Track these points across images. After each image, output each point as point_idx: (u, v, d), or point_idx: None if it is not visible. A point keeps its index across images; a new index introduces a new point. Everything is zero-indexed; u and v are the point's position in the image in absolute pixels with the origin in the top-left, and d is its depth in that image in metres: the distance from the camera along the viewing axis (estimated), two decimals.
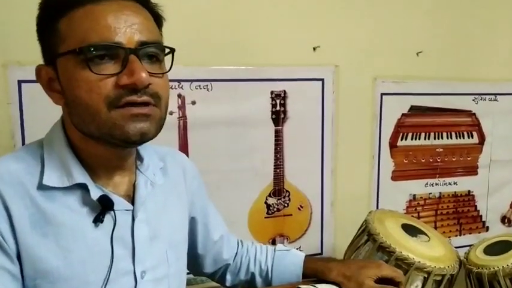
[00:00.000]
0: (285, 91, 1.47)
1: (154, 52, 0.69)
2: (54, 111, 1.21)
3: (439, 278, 1.11)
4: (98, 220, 0.71)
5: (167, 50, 0.72)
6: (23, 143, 1.24)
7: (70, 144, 0.73)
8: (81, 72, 0.65)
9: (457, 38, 1.69)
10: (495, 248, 1.13)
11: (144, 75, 0.65)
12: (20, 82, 1.22)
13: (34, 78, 1.20)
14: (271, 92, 1.46)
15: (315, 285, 0.93)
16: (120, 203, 0.75)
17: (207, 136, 1.39)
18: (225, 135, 1.42)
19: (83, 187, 0.72)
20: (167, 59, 0.73)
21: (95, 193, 0.72)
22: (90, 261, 0.70)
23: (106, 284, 0.70)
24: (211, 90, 1.39)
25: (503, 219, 1.86)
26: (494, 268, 1.06)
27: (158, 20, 0.74)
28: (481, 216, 1.82)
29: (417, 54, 1.63)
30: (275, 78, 1.46)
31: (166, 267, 0.80)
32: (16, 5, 1.19)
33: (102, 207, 0.71)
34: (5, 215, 0.66)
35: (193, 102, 1.37)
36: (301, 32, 1.47)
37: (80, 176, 0.71)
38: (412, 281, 1.10)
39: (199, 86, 1.38)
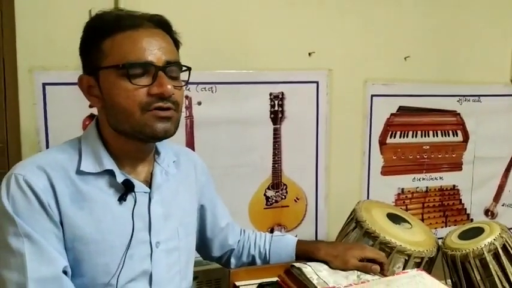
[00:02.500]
0: (282, 93, 1.60)
1: (175, 70, 0.87)
2: (74, 111, 1.37)
3: (418, 260, 1.24)
4: (122, 199, 0.87)
5: (184, 68, 0.90)
6: (47, 139, 1.36)
7: (102, 139, 0.89)
8: (121, 82, 0.83)
9: (442, 43, 1.81)
10: (468, 234, 1.26)
11: (169, 87, 0.83)
12: (44, 85, 1.35)
13: (57, 81, 1.36)
14: (270, 94, 1.58)
15: (306, 263, 1.06)
16: (140, 186, 0.90)
17: (211, 134, 1.52)
18: (228, 133, 1.55)
19: (111, 173, 0.87)
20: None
21: (120, 178, 0.87)
22: (115, 230, 0.85)
23: (128, 249, 0.85)
24: (216, 92, 1.51)
25: (487, 212, 1.99)
26: (466, 250, 1.19)
27: (177, 44, 0.92)
28: (466, 209, 1.95)
29: (405, 58, 1.76)
30: (273, 81, 1.58)
31: (177, 241, 0.95)
32: (41, 17, 1.32)
33: (126, 189, 0.87)
34: (52, 192, 0.81)
35: (199, 103, 1.49)
36: (298, 39, 1.60)
37: (109, 164, 0.87)
38: (394, 263, 1.24)
39: (205, 88, 1.50)
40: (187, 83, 0.91)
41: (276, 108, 1.60)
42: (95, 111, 1.37)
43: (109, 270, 0.84)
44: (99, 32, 0.85)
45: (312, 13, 1.61)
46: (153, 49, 0.84)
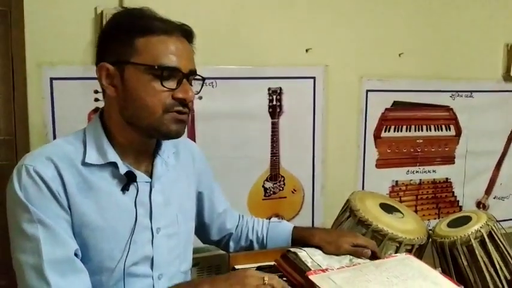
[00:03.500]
0: (280, 88, 1.65)
1: (193, 78, 0.95)
2: (80, 105, 1.43)
3: (409, 248, 1.30)
4: (125, 188, 0.92)
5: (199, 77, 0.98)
6: (54, 132, 1.42)
7: (106, 132, 0.94)
8: (152, 82, 0.88)
9: (435, 40, 1.87)
10: (457, 222, 1.32)
11: (191, 94, 0.92)
12: (51, 79, 1.40)
13: (64, 76, 1.41)
14: (269, 89, 1.64)
15: (302, 248, 1.13)
16: (141, 176, 0.95)
17: (212, 127, 1.57)
18: (228, 127, 1.60)
19: (114, 165, 0.92)
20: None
21: (123, 169, 0.93)
22: (119, 217, 0.91)
23: (132, 235, 0.91)
24: (216, 87, 1.57)
25: (478, 205, 2.05)
26: (453, 238, 1.25)
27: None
28: (458, 201, 2.01)
29: (399, 55, 1.81)
30: (272, 77, 1.64)
31: (176, 227, 1.01)
32: (48, 14, 1.37)
33: (128, 180, 0.93)
34: (60, 181, 0.87)
35: (200, 98, 1.54)
36: (295, 36, 1.66)
37: (112, 156, 0.92)
38: (386, 249, 1.29)
39: (206, 83, 1.54)
40: (199, 91, 0.99)
41: (274, 102, 1.65)
42: (100, 104, 1.45)
43: (114, 255, 0.90)
44: (133, 29, 0.89)
45: (309, 11, 1.66)
46: (182, 57, 0.90)
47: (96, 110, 1.45)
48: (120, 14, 0.96)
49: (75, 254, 0.86)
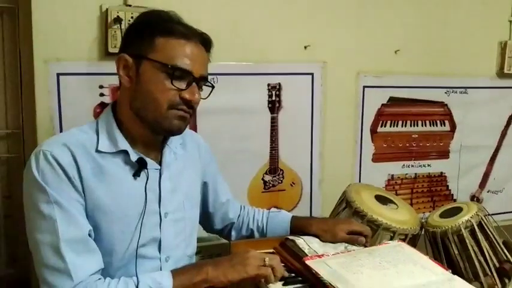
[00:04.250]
0: (279, 84, 1.70)
1: (203, 83, 1.02)
2: (86, 99, 1.48)
3: (402, 237, 1.35)
4: (136, 175, 0.98)
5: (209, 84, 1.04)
6: (60, 125, 1.46)
7: (117, 122, 1.00)
8: (164, 79, 0.95)
9: (431, 38, 1.91)
10: (448, 213, 1.37)
11: (197, 97, 0.98)
12: (58, 75, 1.44)
13: (70, 71, 1.46)
14: (268, 85, 1.69)
15: (300, 237, 1.18)
16: (151, 164, 1.01)
17: (213, 122, 1.62)
18: (228, 121, 1.65)
19: (125, 152, 0.98)
20: None
21: (134, 156, 0.99)
22: (130, 202, 0.97)
23: (142, 218, 0.97)
24: (217, 82, 1.61)
25: (472, 198, 2.10)
26: (445, 227, 1.30)
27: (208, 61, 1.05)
28: (452, 195, 2.06)
29: (395, 52, 1.86)
30: (271, 73, 1.68)
31: (183, 212, 1.06)
32: (55, 12, 1.42)
33: (139, 166, 0.98)
34: (75, 166, 0.92)
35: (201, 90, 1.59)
36: (294, 33, 1.70)
37: (123, 145, 0.98)
38: (381, 239, 1.34)
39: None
40: (206, 97, 1.04)
41: (274, 98, 1.70)
42: (105, 99, 1.50)
43: (124, 237, 0.96)
44: (156, 27, 0.96)
45: (308, 9, 1.71)
46: (195, 62, 0.97)
47: (101, 104, 1.50)
48: (148, 12, 1.03)
49: (89, 235, 0.91)
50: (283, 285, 0.97)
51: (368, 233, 1.20)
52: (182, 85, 0.96)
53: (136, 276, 0.90)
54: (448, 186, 2.05)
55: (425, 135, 1.97)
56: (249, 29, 1.64)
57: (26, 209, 0.92)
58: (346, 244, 1.17)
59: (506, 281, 1.28)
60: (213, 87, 1.04)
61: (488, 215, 1.36)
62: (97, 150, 0.96)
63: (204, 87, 1.04)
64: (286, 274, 1.00)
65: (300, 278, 1.01)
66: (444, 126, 2.00)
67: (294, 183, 1.78)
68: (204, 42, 1.01)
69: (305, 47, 1.72)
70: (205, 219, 1.25)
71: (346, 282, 0.90)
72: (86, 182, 0.92)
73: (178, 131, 1.00)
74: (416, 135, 1.95)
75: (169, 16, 1.00)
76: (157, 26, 0.96)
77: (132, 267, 0.97)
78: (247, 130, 1.68)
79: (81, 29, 1.45)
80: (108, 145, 0.97)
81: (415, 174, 1.98)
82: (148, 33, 0.96)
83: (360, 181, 1.88)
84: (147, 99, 0.96)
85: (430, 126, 1.97)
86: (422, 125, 1.96)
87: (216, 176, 1.25)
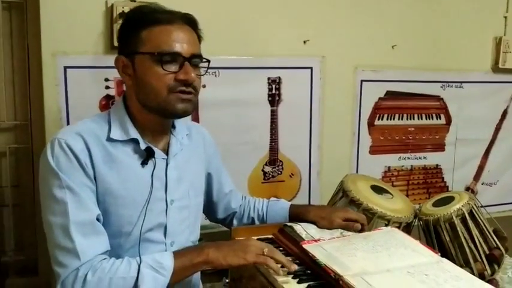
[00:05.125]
0: (279, 77, 1.75)
1: (197, 61, 1.04)
2: (92, 92, 1.53)
3: (397, 225, 1.40)
4: (144, 163, 1.04)
5: (204, 60, 1.06)
6: (67, 117, 1.52)
7: (128, 113, 1.05)
8: (155, 67, 0.99)
9: (427, 33, 1.96)
10: (441, 202, 1.42)
11: (193, 75, 1.00)
12: (65, 68, 1.50)
13: (77, 64, 1.51)
14: (268, 78, 1.73)
15: (298, 223, 1.23)
16: (159, 153, 1.07)
17: (214, 114, 1.67)
18: (230, 114, 1.70)
19: (135, 141, 1.04)
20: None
21: (143, 145, 1.04)
22: (138, 188, 1.02)
23: (148, 204, 1.02)
24: (219, 76, 1.66)
25: (467, 190, 2.14)
26: (437, 215, 1.35)
27: (199, 39, 1.08)
28: (448, 187, 2.11)
29: (392, 47, 1.91)
30: (271, 67, 1.73)
31: (187, 200, 1.12)
32: (63, 7, 1.47)
33: (147, 155, 1.04)
34: (88, 154, 0.98)
35: (204, 86, 1.59)
36: (294, 28, 1.75)
37: (133, 133, 1.04)
38: (376, 227, 1.39)
39: (209, 72, 1.58)
40: (206, 72, 1.08)
41: (274, 91, 1.75)
42: (110, 92, 1.56)
43: (132, 220, 1.01)
44: (139, 23, 1.00)
45: (307, 5, 1.75)
46: (182, 42, 1.00)
47: (106, 97, 1.55)
48: (131, 11, 1.08)
49: (97, 219, 0.97)
50: (298, 282, 0.95)
51: (364, 221, 1.25)
52: (175, 68, 0.99)
53: (139, 256, 0.95)
54: (443, 178, 2.09)
55: (422, 128, 2.01)
56: (249, 25, 1.69)
57: (41, 193, 0.97)
58: (342, 230, 1.22)
59: (496, 267, 1.34)
60: (208, 61, 1.07)
61: (482, 206, 1.40)
62: (108, 139, 1.01)
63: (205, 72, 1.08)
64: (297, 267, 0.99)
65: (308, 271, 0.99)
66: (440, 119, 2.04)
67: (293, 174, 1.83)
68: (189, 21, 1.04)
69: (304, 42, 1.77)
70: (209, 208, 1.31)
71: (341, 264, 0.95)
72: (98, 169, 0.98)
73: (185, 113, 1.03)
74: (413, 128, 2.00)
75: (151, 8, 1.04)
76: (140, 20, 1.01)
77: (139, 249, 1.02)
78: (248, 122, 1.73)
79: (87, 23, 1.50)
80: (120, 133, 1.03)
81: (411, 166, 2.03)
82: (134, 29, 1.01)
83: (357, 172, 1.92)
84: (148, 90, 1.00)
85: (426, 119, 2.02)
86: (418, 119, 2.00)
87: (220, 168, 1.30)
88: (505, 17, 2.08)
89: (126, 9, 1.47)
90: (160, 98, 1.00)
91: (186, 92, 1.01)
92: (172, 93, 1.00)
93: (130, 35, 1.02)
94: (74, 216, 0.92)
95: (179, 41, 1.00)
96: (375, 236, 1.14)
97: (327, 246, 1.05)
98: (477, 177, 2.16)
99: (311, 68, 1.79)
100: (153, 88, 1.00)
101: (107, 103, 1.56)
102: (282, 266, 0.97)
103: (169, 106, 1.01)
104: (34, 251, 1.72)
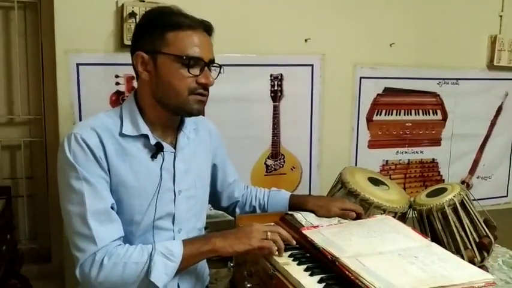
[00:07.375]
0: (281, 74, 1.81)
1: (214, 66, 1.14)
2: (103, 88, 1.60)
3: (392, 215, 1.47)
4: (154, 156, 1.11)
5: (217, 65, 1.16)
6: (80, 112, 1.59)
7: (139, 109, 1.12)
8: (180, 69, 1.07)
9: (424, 32, 2.02)
10: (434, 193, 1.49)
11: (212, 79, 1.11)
12: (78, 65, 1.56)
13: (89, 62, 1.58)
14: (271, 75, 1.80)
15: (298, 212, 1.30)
16: (167, 147, 1.14)
17: (219, 109, 1.72)
18: (233, 109, 1.76)
19: (146, 136, 1.11)
20: None
21: (153, 140, 1.11)
22: (148, 179, 1.10)
23: (158, 194, 1.10)
24: (223, 73, 1.71)
25: (462, 184, 2.21)
26: (430, 206, 1.43)
27: None
28: (444, 180, 2.17)
29: (390, 45, 1.97)
30: (274, 64, 1.79)
31: (194, 190, 1.19)
32: (76, 6, 1.54)
33: (157, 149, 1.11)
34: (102, 148, 1.05)
35: None
36: (295, 27, 1.81)
37: (144, 129, 1.11)
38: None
39: (215, 69, 1.71)
40: (217, 76, 1.17)
41: (276, 87, 1.81)
42: (120, 88, 1.63)
43: (142, 209, 1.09)
44: (163, 24, 1.07)
45: (308, 4, 1.82)
46: (204, 48, 1.09)
47: (117, 92, 1.63)
48: (152, 11, 1.14)
49: (112, 208, 1.04)
50: (298, 264, 1.01)
51: (360, 211, 1.32)
52: (196, 71, 1.08)
53: (153, 244, 1.03)
54: (439, 172, 2.16)
55: (418, 124, 2.08)
56: (253, 24, 1.75)
57: (60, 184, 1.05)
58: (339, 218, 1.29)
59: (485, 254, 1.41)
60: (220, 67, 1.16)
61: (474, 200, 1.47)
62: (121, 134, 1.08)
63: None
64: (294, 242, 1.09)
65: (307, 254, 1.06)
66: (436, 115, 2.11)
67: (294, 168, 1.90)
68: (206, 28, 1.13)
69: (305, 40, 1.83)
70: (214, 197, 1.38)
71: (337, 247, 1.02)
72: (111, 161, 1.05)
73: (199, 114, 1.13)
74: (410, 124, 2.06)
75: (172, 10, 1.11)
76: (164, 22, 1.08)
77: (150, 236, 1.11)
78: (251, 117, 1.79)
79: (99, 22, 1.57)
80: (131, 129, 1.10)
81: (408, 160, 2.10)
82: (157, 29, 1.07)
83: (356, 166, 1.99)
84: (169, 89, 1.08)
85: (423, 115, 2.08)
86: (415, 114, 2.06)
87: (225, 159, 1.38)
88: (500, 16, 2.14)
89: (136, 9, 1.55)
90: (181, 98, 1.08)
91: (203, 94, 1.10)
92: (192, 94, 1.08)
93: (154, 34, 1.08)
94: (91, 205, 1.00)
95: (202, 47, 1.08)
96: (369, 222, 1.21)
97: (325, 232, 1.13)
98: (472, 171, 2.22)
99: (312, 66, 1.85)
100: (175, 88, 1.07)
101: (116, 98, 1.63)
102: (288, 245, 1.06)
103: (188, 106, 1.09)
104: (47, 240, 1.80)
